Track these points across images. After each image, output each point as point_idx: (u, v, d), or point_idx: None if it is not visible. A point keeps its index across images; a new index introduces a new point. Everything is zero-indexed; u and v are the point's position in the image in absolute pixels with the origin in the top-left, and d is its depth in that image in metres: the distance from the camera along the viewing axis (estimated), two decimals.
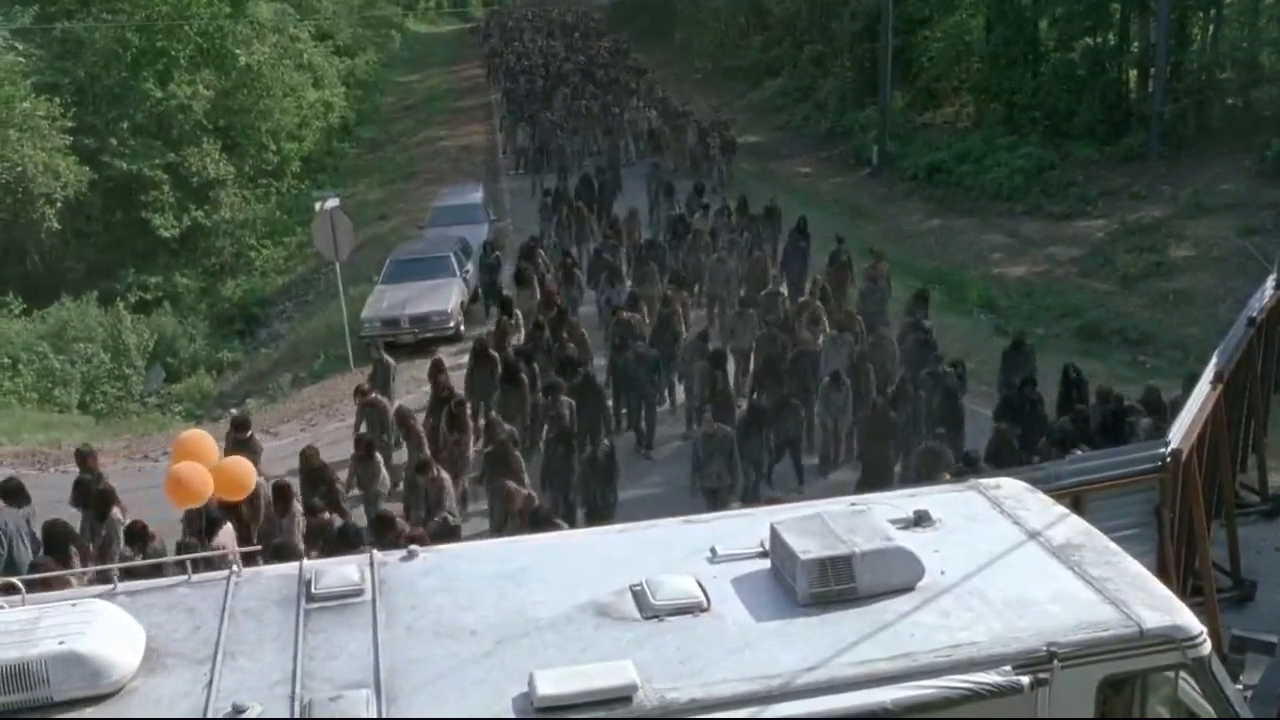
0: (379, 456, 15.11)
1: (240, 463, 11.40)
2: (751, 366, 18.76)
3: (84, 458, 14.66)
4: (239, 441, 14.93)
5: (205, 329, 32.17)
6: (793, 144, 43.92)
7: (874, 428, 15.39)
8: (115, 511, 13.12)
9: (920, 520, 7.86)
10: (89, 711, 6.08)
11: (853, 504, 8.02)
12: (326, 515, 12.60)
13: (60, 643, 6.15)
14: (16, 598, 6.83)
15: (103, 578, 7.76)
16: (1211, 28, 36.89)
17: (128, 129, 36.00)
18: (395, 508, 13.57)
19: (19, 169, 31.33)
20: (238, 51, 38.81)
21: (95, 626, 6.33)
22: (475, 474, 15.96)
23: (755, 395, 16.74)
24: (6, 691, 6.00)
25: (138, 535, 11.96)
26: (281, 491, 13.02)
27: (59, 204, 32.81)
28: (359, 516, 13.92)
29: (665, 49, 61.20)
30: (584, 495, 14.49)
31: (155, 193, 35.81)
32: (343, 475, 14.81)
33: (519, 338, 19.97)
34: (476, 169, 39.26)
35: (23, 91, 32.26)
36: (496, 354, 18.13)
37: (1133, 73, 37.61)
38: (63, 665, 6.07)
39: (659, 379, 18.26)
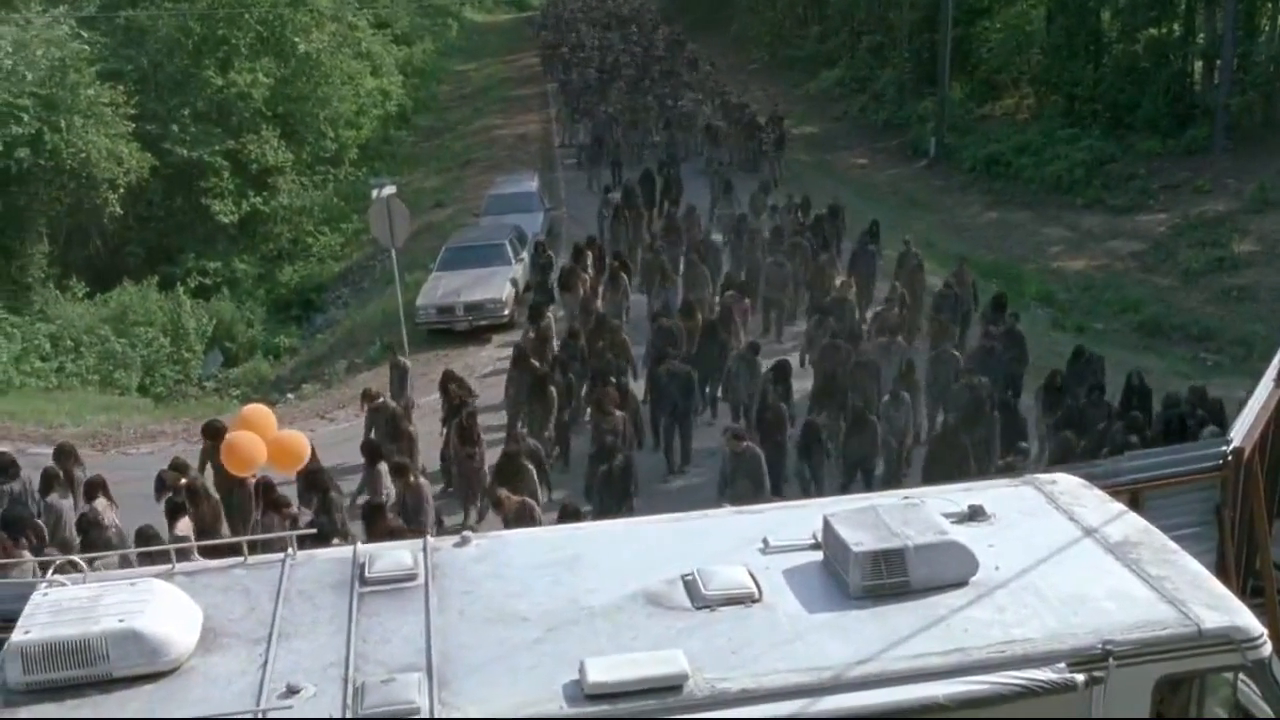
0: (383, 465, 14.21)
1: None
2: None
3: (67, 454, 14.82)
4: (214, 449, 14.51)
5: (263, 314, 32.53)
6: (849, 135, 43.65)
7: (941, 451, 14.25)
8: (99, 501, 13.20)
9: (975, 515, 7.79)
10: (147, 688, 6.16)
11: (906, 497, 7.97)
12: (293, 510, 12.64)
13: (120, 620, 6.24)
14: (78, 575, 6.94)
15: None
16: None
17: (189, 116, 36.37)
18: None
19: (83, 155, 31.75)
20: (297, 40, 39.10)
21: (154, 605, 6.42)
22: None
23: (812, 412, 15.89)
24: (68, 667, 6.10)
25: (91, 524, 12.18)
26: (267, 489, 12.93)
27: (121, 189, 33.22)
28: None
29: (722, 40, 60.97)
30: (596, 509, 13.60)
31: (215, 179, 36.19)
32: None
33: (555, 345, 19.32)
34: (532, 158, 39.34)
35: (88, 79, 32.67)
36: (536, 362, 17.45)
37: (1198, 64, 37.08)
38: (122, 642, 6.16)
39: (694, 395, 17.09)
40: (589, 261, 23.08)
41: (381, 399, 16.46)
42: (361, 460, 14.47)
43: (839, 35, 52.87)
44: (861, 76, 48.06)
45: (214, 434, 14.95)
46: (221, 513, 13.23)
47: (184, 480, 13.42)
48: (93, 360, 28.44)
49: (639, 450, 15.94)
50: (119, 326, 29.39)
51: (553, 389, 16.47)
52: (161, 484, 13.55)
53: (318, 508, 12.92)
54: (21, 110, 30.49)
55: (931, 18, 41.53)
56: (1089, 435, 14.24)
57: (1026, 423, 15.45)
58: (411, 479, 13.16)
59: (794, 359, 17.89)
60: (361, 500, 13.74)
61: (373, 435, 15.80)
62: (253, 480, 13.16)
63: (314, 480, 13.34)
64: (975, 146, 37.92)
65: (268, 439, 10.68)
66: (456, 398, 16.44)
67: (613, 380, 16.57)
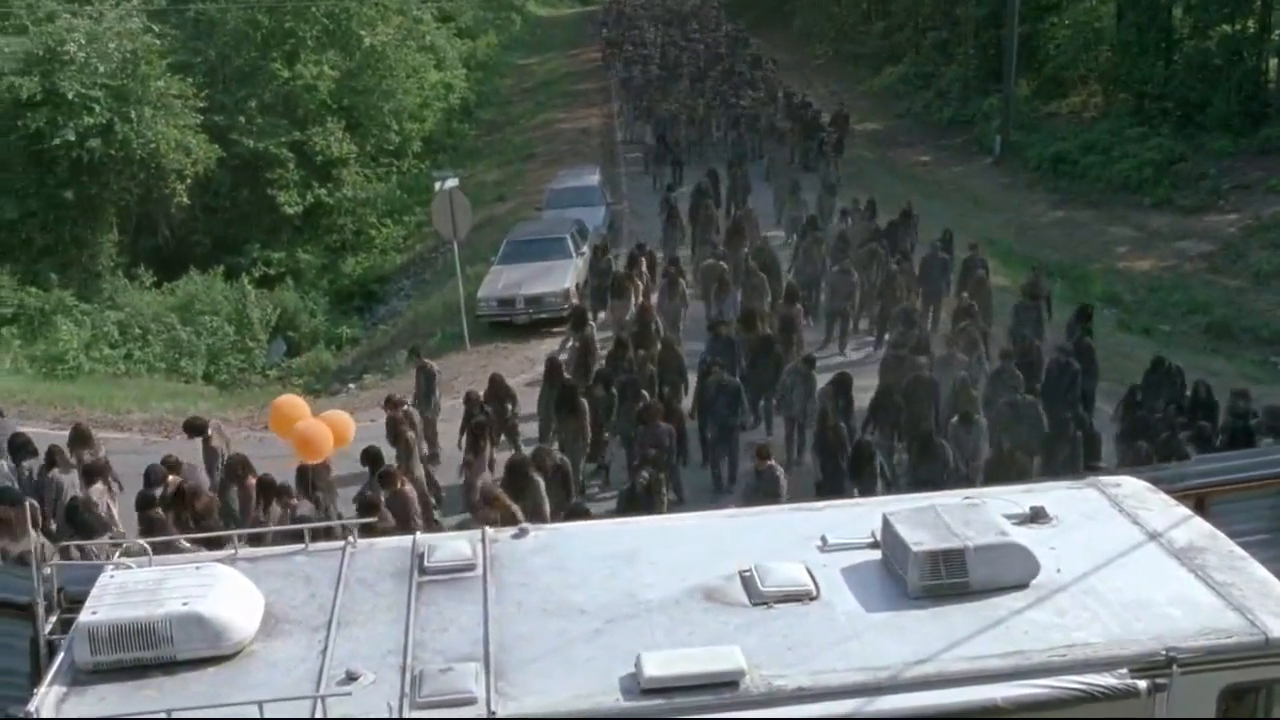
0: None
1: (342, 415, 11.44)
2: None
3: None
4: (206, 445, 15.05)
5: (326, 304, 32.84)
6: (912, 132, 43.32)
7: (998, 474, 12.97)
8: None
9: (1036, 516, 7.71)
10: (210, 671, 6.25)
11: (967, 497, 7.89)
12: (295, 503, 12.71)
13: (184, 604, 6.34)
14: (144, 559, 7.05)
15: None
16: None
17: (256, 108, 36.81)
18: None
19: (153, 145, 32.23)
20: (363, 33, 39.42)
21: (217, 590, 6.51)
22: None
23: (867, 429, 15.23)
24: (133, 648, 6.21)
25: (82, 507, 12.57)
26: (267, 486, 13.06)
27: (189, 180, 33.69)
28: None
29: (784, 35, 60.71)
30: None
31: (280, 170, 36.57)
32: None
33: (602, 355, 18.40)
34: (594, 152, 39.39)
35: (158, 71, 33.17)
36: (575, 372, 17.00)
37: (1272, 62, 36.34)
38: (185, 625, 6.26)
39: (742, 409, 16.29)
40: (643, 267, 22.30)
41: (405, 406, 16.17)
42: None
43: (903, 31, 52.47)
44: (926, 73, 47.67)
45: (197, 430, 15.41)
46: (215, 510, 13.22)
47: (172, 477, 13.61)
48: (159, 348, 28.92)
49: (684, 466, 15.45)
50: (185, 315, 29.85)
51: (584, 401, 15.79)
52: (149, 478, 13.64)
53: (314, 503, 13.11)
54: (94, 101, 31.05)
55: (998, 13, 41.06)
56: (1155, 445, 13.64)
57: (1103, 439, 14.81)
58: (399, 485, 12.93)
59: (855, 371, 16.98)
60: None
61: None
62: (252, 481, 13.39)
63: (302, 474, 13.62)
64: (1041, 144, 37.47)
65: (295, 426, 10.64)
66: (475, 404, 15.86)
67: (653, 393, 15.99)
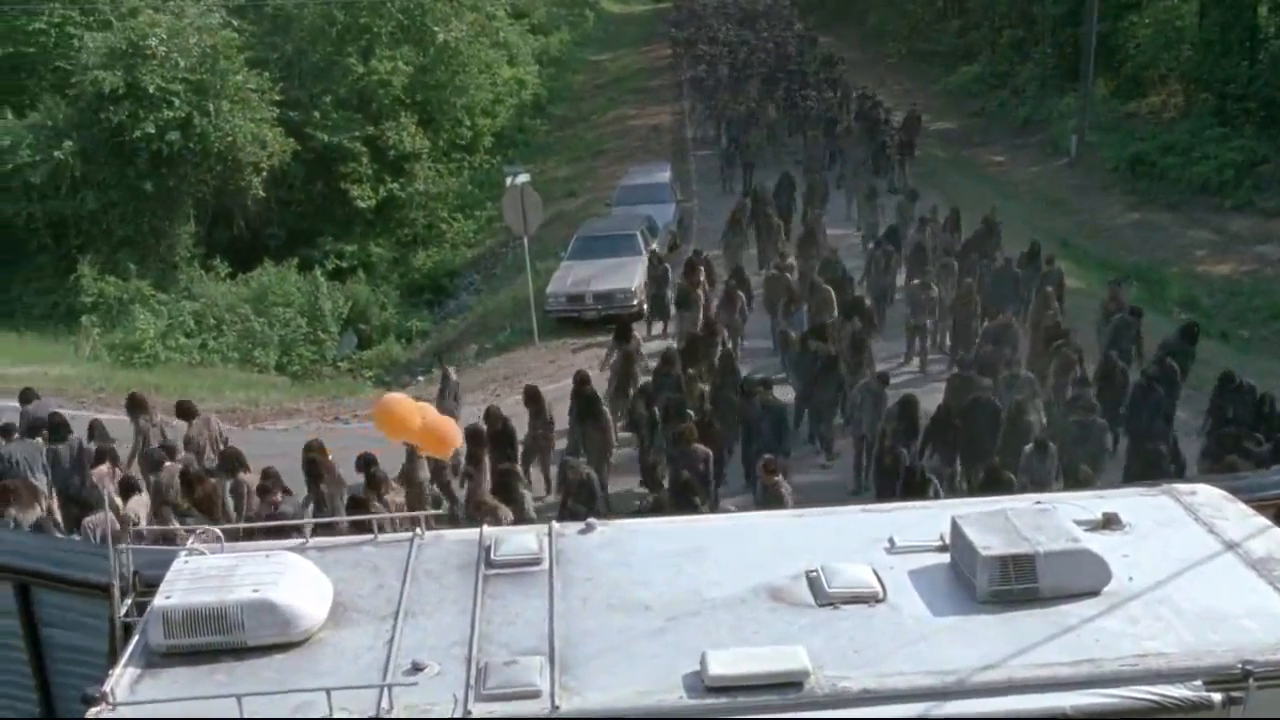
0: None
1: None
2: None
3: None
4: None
5: (396, 298, 33.22)
6: (986, 131, 42.84)
7: None
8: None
9: (1109, 523, 7.57)
10: (279, 657, 6.32)
11: (1038, 502, 7.78)
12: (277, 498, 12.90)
13: (255, 590, 6.41)
14: (216, 545, 7.16)
15: None
16: None
17: (330, 102, 37.30)
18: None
19: (230, 139, 32.79)
20: (437, 29, 39.76)
21: (287, 578, 6.58)
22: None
23: (923, 454, 14.53)
24: (205, 632, 6.30)
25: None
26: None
27: (265, 173, 34.24)
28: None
29: (857, 34, 60.33)
30: None
31: (354, 164, 37.03)
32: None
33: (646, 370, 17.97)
34: (664, 149, 39.41)
35: (236, 65, 33.73)
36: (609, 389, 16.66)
37: None
38: (256, 612, 6.33)
39: (787, 435, 15.44)
40: (701, 276, 21.70)
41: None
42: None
43: (979, 29, 51.90)
44: (1001, 72, 47.13)
45: (187, 414, 15.88)
46: (218, 497, 13.52)
47: (169, 464, 14.02)
48: (233, 338, 29.43)
49: (719, 490, 14.66)
50: (259, 306, 30.34)
51: (606, 411, 15.43)
52: (151, 461, 14.14)
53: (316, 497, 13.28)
54: (174, 95, 31.64)
55: (1076, 12, 40.45)
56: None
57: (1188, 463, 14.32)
58: (383, 491, 12.94)
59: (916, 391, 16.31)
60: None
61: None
62: (242, 475, 13.70)
63: (311, 469, 13.81)
64: (1119, 145, 36.86)
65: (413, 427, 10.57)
66: (496, 419, 15.43)
67: (687, 417, 15.04)
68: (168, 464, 14.08)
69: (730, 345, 19.11)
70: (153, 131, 31.39)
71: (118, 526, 10.95)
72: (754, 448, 15.04)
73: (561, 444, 16.16)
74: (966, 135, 42.22)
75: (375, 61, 38.02)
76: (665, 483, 13.55)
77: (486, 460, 14.34)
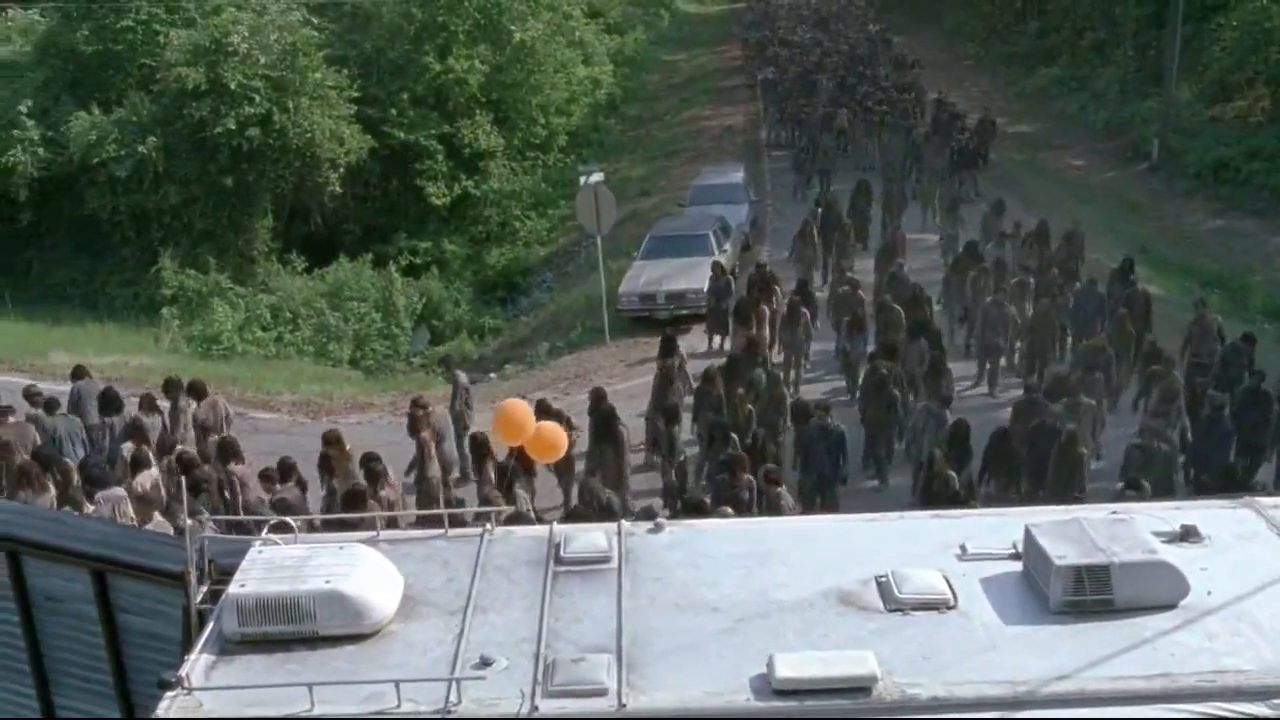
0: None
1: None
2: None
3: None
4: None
5: (469, 294, 33.44)
6: (1065, 135, 42.22)
7: None
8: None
9: (1187, 535, 7.42)
10: (350, 648, 6.39)
11: (1114, 512, 7.65)
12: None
13: (327, 582, 6.48)
14: (289, 536, 7.25)
15: None
16: None
17: (407, 100, 37.63)
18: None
19: (308, 135, 33.23)
20: (513, 28, 39.96)
21: (358, 570, 6.65)
22: None
23: (982, 482, 14.11)
24: (278, 622, 6.38)
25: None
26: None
27: (342, 169, 34.66)
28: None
29: (934, 34, 59.74)
30: None
31: (429, 162, 37.33)
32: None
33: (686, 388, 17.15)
34: (738, 149, 39.30)
35: (315, 63, 34.18)
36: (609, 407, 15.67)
37: None
38: (328, 603, 6.40)
39: (844, 461, 14.74)
40: (770, 291, 20.77)
41: (430, 408, 16.31)
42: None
43: (1059, 31, 51.17)
44: (1081, 74, 46.44)
45: (198, 394, 16.30)
46: (211, 484, 13.82)
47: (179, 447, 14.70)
48: (309, 332, 29.83)
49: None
50: (334, 301, 30.73)
51: (622, 430, 14.83)
52: (166, 445, 14.79)
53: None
54: (254, 92, 32.14)
55: (1160, 13, 39.77)
56: None
57: None
58: (380, 487, 13.03)
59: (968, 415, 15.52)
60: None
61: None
62: (235, 465, 14.04)
63: (324, 462, 14.14)
64: (1202, 150, 36.17)
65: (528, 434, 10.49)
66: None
67: (747, 437, 14.68)
68: (178, 448, 14.67)
69: (773, 363, 18.78)
70: (233, 127, 31.90)
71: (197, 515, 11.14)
72: (811, 475, 14.57)
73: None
74: (1044, 139, 41.63)
75: (452, 60, 38.30)
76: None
77: (489, 467, 14.11)
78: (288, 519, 7.67)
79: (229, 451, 14.44)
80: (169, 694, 6.03)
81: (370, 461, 13.45)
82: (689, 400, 16.87)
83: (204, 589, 7.01)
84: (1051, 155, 39.64)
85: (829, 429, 14.65)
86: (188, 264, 31.76)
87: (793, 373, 19.39)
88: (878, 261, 22.47)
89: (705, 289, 22.67)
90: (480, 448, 14.34)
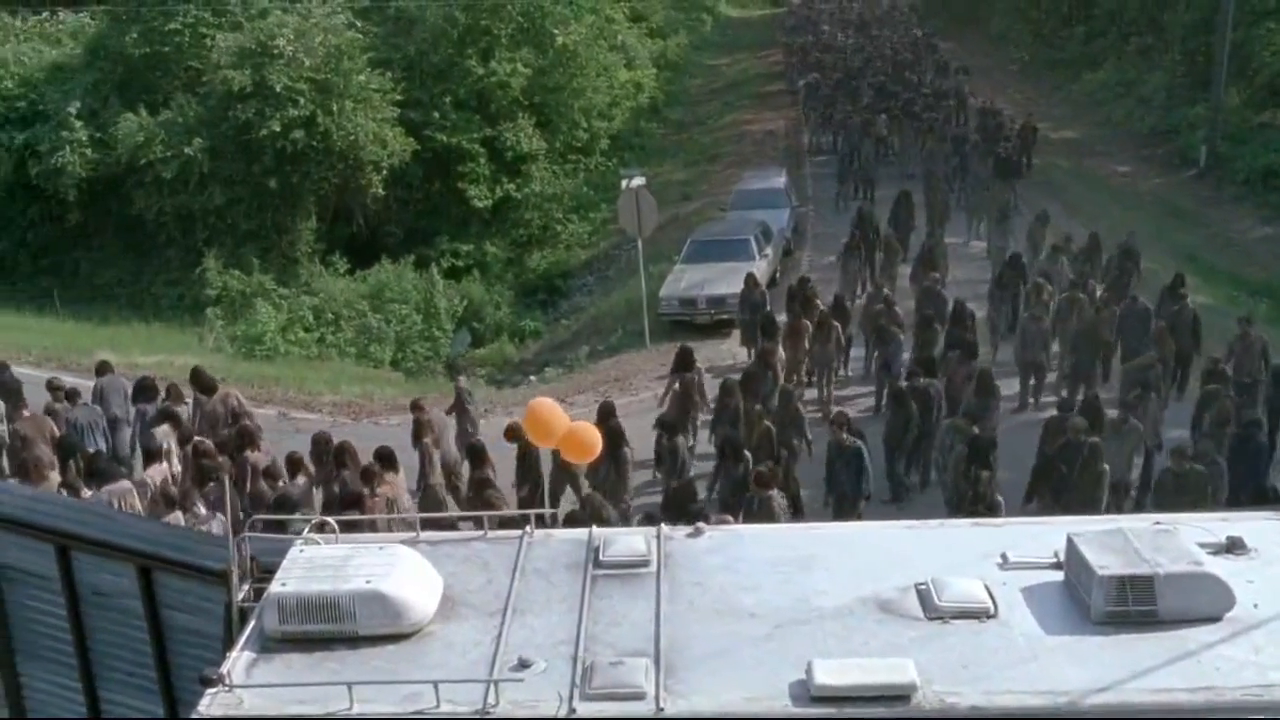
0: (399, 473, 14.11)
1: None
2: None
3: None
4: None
5: (510, 297, 33.54)
6: (1111, 141, 41.84)
7: None
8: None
9: (1233, 547, 7.32)
10: (389, 648, 6.43)
11: (1158, 523, 7.57)
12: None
13: (367, 582, 6.53)
14: (330, 535, 7.30)
15: None
16: None
17: (450, 103, 37.77)
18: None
19: (352, 137, 33.45)
20: (556, 31, 40.05)
21: (398, 570, 6.69)
22: None
23: (1028, 504, 13.79)
24: (318, 621, 6.44)
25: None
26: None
27: (384, 172, 34.86)
28: None
29: (979, 39, 59.40)
30: None
31: (471, 165, 37.46)
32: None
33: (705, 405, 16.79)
34: (780, 154, 39.22)
35: (359, 66, 34.41)
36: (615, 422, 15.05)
37: None
38: (368, 602, 6.45)
39: (865, 479, 14.31)
40: (810, 305, 20.12)
41: (429, 410, 16.38)
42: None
43: (1105, 36, 50.71)
44: (1128, 80, 45.97)
45: (207, 389, 16.44)
46: (220, 475, 13.85)
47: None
48: (351, 333, 30.02)
49: None
50: (376, 303, 30.92)
51: (628, 451, 14.48)
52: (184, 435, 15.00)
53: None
54: (299, 94, 32.39)
55: (1209, 19, 39.31)
56: None
57: None
58: (375, 486, 13.05)
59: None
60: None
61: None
62: (248, 454, 14.24)
63: (339, 459, 14.10)
64: (1251, 156, 35.73)
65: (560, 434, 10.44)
66: (525, 447, 14.52)
67: (769, 454, 14.29)
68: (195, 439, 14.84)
69: (808, 380, 18.70)
70: (278, 129, 32.16)
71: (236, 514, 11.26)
72: (833, 492, 14.37)
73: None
74: (1090, 145, 41.27)
75: (495, 63, 38.43)
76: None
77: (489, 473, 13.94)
78: (329, 519, 7.73)
79: (246, 439, 14.57)
80: (210, 690, 6.09)
81: (382, 459, 13.58)
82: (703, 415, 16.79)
83: (246, 587, 7.07)
84: (1097, 162, 39.30)
85: (843, 445, 14.29)
86: (232, 265, 32.05)
87: (825, 389, 19.07)
88: (914, 273, 22.14)
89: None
90: (477, 455, 14.21)
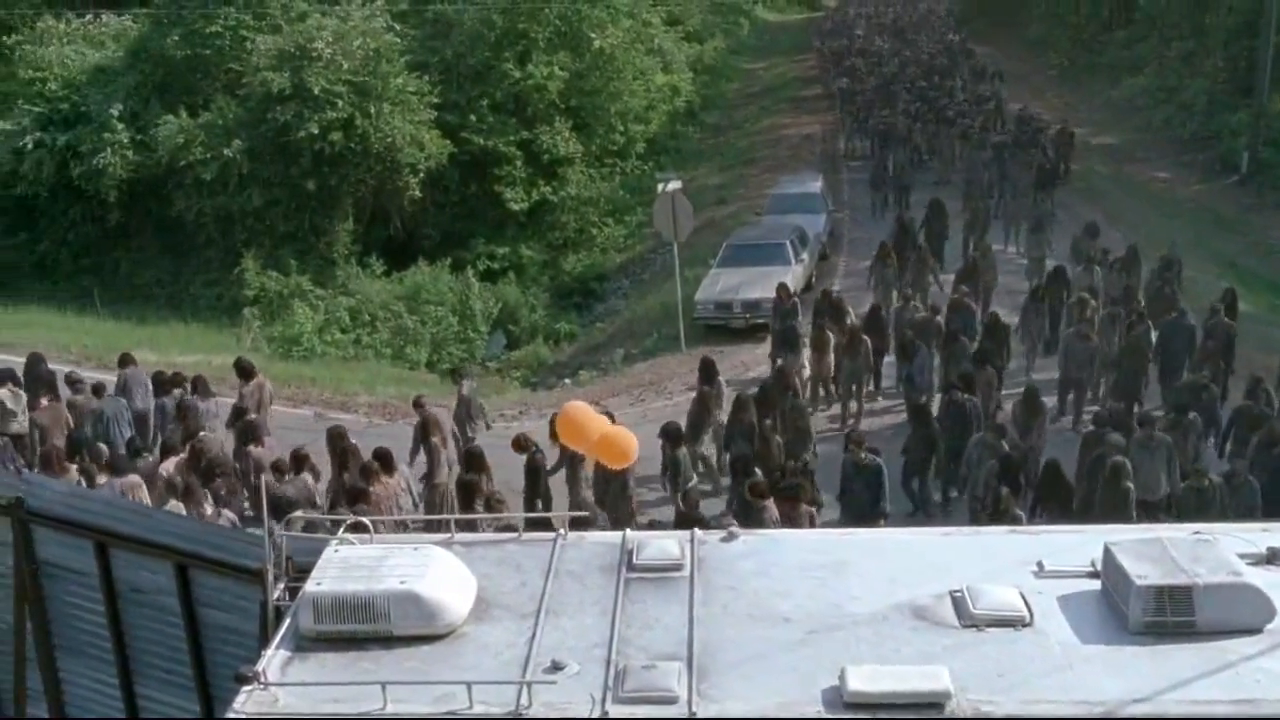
0: (403, 470, 14.32)
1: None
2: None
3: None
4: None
5: (545, 300, 33.60)
6: (1151, 147, 41.51)
7: None
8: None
9: (1274, 558, 7.23)
10: (423, 649, 6.45)
11: (1197, 532, 7.50)
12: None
13: (401, 582, 6.55)
14: (365, 536, 7.34)
15: None
16: None
17: (487, 106, 37.90)
18: None
19: (389, 140, 33.63)
20: (593, 35, 40.12)
21: (433, 571, 6.71)
22: None
23: (1035, 516, 13.51)
24: (353, 620, 6.47)
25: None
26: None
27: (421, 174, 35.02)
28: None
29: (1017, 44, 59.08)
30: None
31: (508, 167, 37.56)
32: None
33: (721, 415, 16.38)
34: (816, 159, 39.13)
35: (397, 69, 34.61)
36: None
37: None
38: (402, 603, 6.47)
39: (883, 496, 13.88)
40: (842, 318, 19.71)
41: (429, 407, 16.42)
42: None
43: (1146, 41, 50.37)
44: (1169, 85, 45.62)
45: (246, 374, 17.03)
46: (230, 469, 14.48)
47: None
48: (387, 335, 30.19)
49: None
50: (412, 304, 31.07)
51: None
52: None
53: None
54: (337, 97, 32.61)
55: (1252, 23, 38.95)
56: None
57: None
58: (375, 483, 13.14)
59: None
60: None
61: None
62: (253, 448, 14.64)
63: (343, 457, 14.31)
64: None
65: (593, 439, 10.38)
66: (532, 451, 14.65)
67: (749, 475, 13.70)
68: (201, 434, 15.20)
69: (825, 393, 18.54)
70: (316, 132, 32.37)
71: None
72: (848, 509, 14.06)
73: None
74: (1129, 151, 40.96)
75: (532, 67, 38.53)
76: None
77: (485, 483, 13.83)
78: (364, 519, 7.77)
79: (249, 434, 14.99)
80: (245, 688, 6.13)
81: (381, 458, 13.70)
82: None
83: (282, 586, 7.12)
84: (1136, 168, 39.00)
85: (861, 464, 13.93)
86: (269, 266, 32.29)
87: (849, 404, 18.67)
88: (955, 285, 21.43)
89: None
90: (474, 461, 14.17)
